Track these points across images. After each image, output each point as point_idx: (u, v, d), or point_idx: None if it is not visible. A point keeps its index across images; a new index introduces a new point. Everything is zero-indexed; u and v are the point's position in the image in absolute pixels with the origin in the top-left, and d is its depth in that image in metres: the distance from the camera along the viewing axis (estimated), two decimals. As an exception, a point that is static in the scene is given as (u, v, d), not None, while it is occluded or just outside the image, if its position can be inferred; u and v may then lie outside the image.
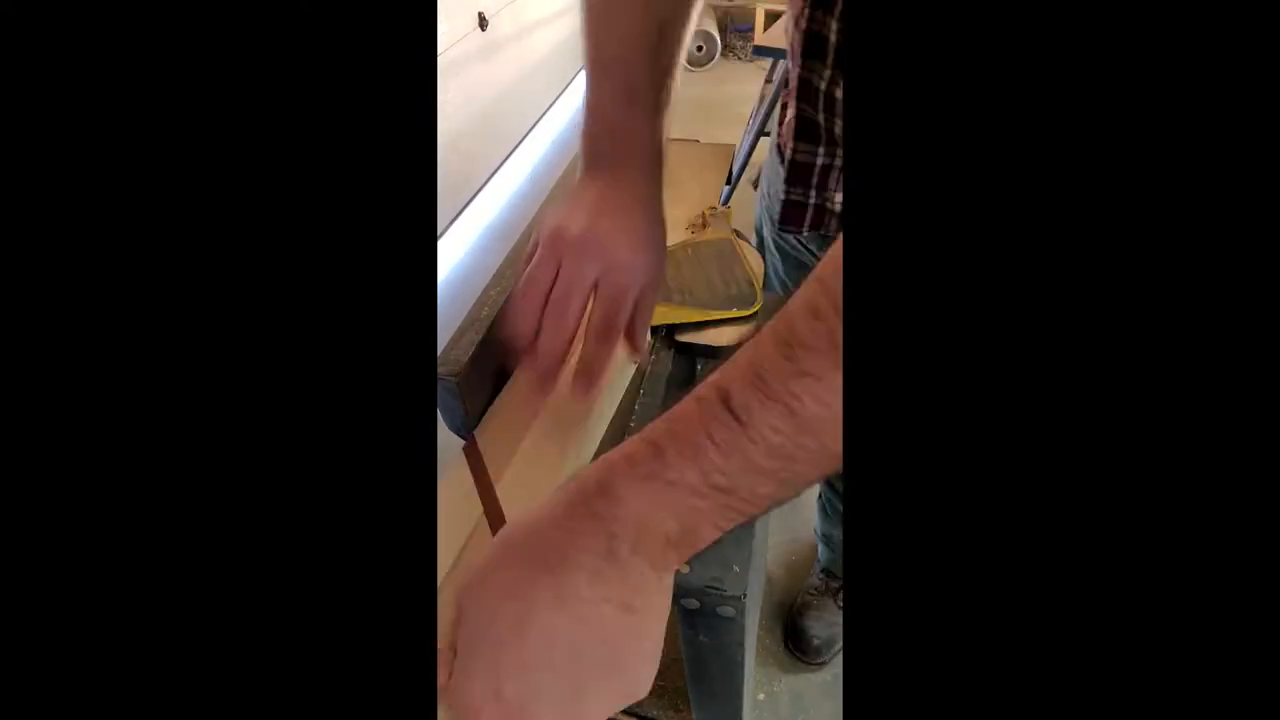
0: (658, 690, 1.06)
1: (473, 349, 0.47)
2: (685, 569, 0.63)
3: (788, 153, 0.63)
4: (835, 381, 0.28)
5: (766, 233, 0.92)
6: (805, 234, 0.68)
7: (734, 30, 3.85)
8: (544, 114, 1.32)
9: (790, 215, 0.66)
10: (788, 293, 0.98)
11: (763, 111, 2.11)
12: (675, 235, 0.69)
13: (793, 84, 0.61)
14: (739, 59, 3.84)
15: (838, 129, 0.58)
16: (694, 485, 0.30)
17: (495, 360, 0.52)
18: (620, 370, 0.57)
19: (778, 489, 0.30)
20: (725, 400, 0.29)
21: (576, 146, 0.55)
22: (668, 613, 0.33)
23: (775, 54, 1.98)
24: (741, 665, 0.76)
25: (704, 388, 0.30)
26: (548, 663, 0.30)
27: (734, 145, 0.94)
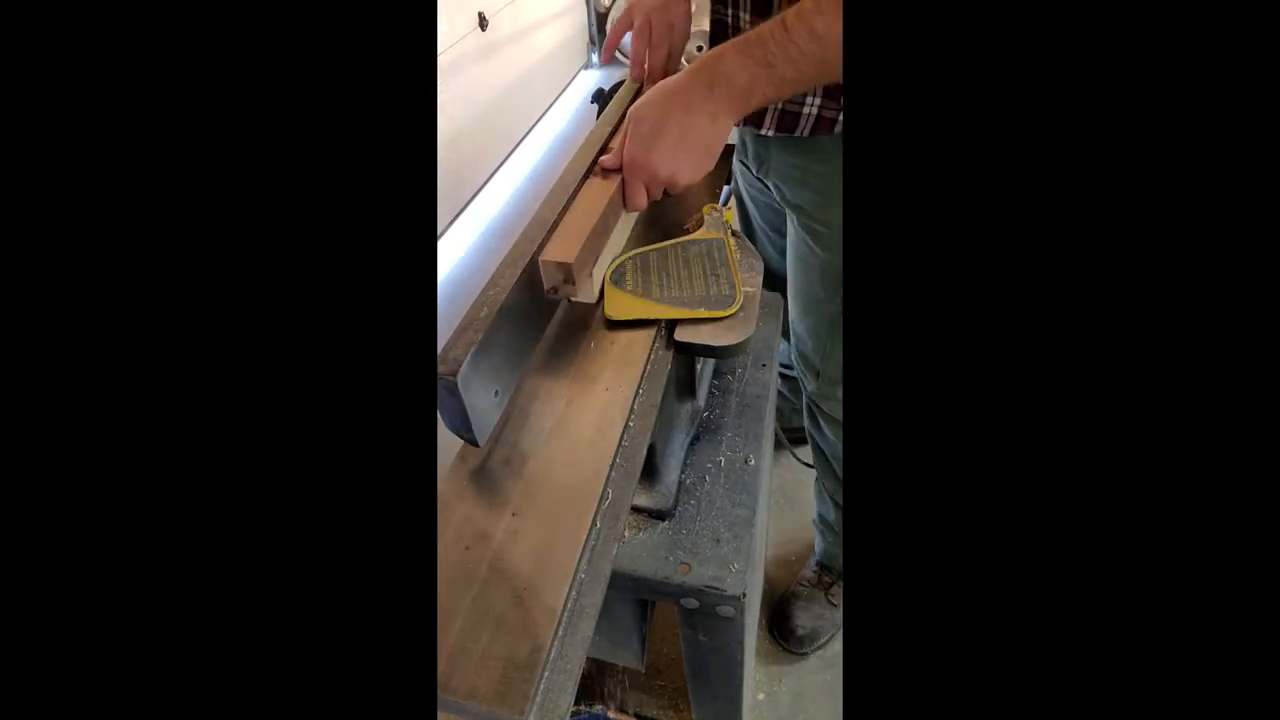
0: (658, 690, 1.06)
1: (473, 349, 0.47)
2: (685, 569, 0.64)
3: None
4: (837, 15, 0.55)
5: (742, 185, 1.01)
6: (769, 132, 0.80)
7: (734, 30, 3.83)
8: (544, 114, 1.32)
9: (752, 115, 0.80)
10: (771, 242, 1.02)
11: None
12: (675, 235, 0.70)
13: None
14: (739, 59, 3.81)
15: (742, 23, 0.77)
16: (759, 60, 0.58)
17: (495, 359, 0.52)
18: (625, 364, 0.57)
19: (796, 75, 0.58)
20: (783, 20, 0.57)
21: (576, 146, 0.66)
22: (726, 136, 0.63)
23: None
24: (741, 665, 0.76)
25: (775, 17, 0.58)
26: (674, 136, 0.61)
27: (733, 146, 0.94)
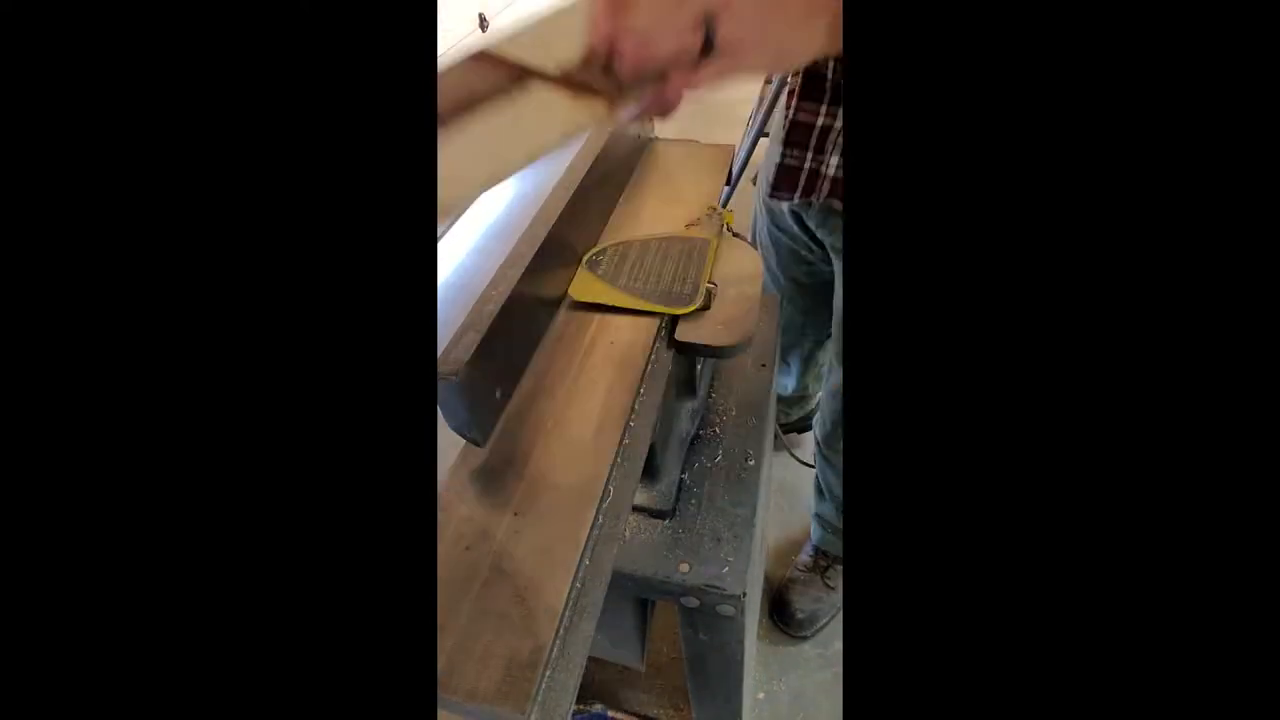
0: (658, 690, 1.06)
1: (473, 349, 0.47)
2: (685, 568, 0.64)
3: (791, 112, 0.70)
4: None
5: (762, 226, 0.93)
6: (796, 201, 0.71)
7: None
8: (544, 114, 1.33)
9: (783, 180, 0.72)
10: (781, 288, 0.99)
11: (762, 113, 2.10)
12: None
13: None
14: (739, 59, 3.80)
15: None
16: None
17: (495, 360, 0.52)
18: (625, 364, 0.57)
19: None
20: None
21: (576, 146, 0.63)
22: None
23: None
24: (741, 664, 0.76)
25: None
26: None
27: (734, 146, 0.94)
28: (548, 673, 0.40)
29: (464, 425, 0.49)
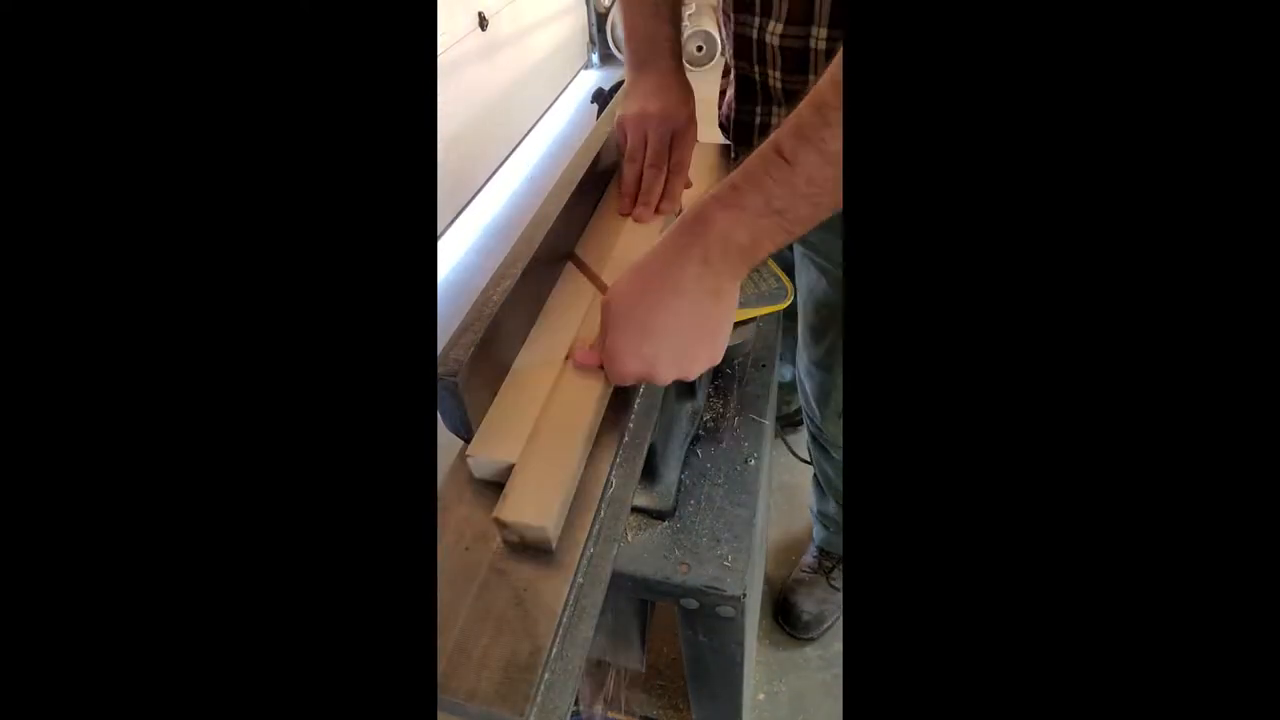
0: (658, 690, 1.06)
1: (473, 349, 0.47)
2: (685, 569, 0.64)
3: (731, 114, 0.75)
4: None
5: None
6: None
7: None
8: (544, 114, 1.32)
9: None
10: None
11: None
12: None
13: (729, 44, 0.71)
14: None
15: (772, 80, 0.68)
16: (759, 209, 0.45)
17: (495, 360, 0.52)
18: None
19: (813, 211, 0.45)
20: (778, 150, 0.44)
21: (576, 146, 0.66)
22: (736, 306, 0.50)
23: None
24: (741, 665, 0.76)
25: (763, 147, 0.45)
26: (670, 331, 0.48)
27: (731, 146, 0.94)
28: (546, 674, 0.40)
29: (462, 426, 0.49)
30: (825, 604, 1.25)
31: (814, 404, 1.00)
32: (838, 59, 0.42)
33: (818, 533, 1.26)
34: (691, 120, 0.71)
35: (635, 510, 0.68)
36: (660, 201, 0.68)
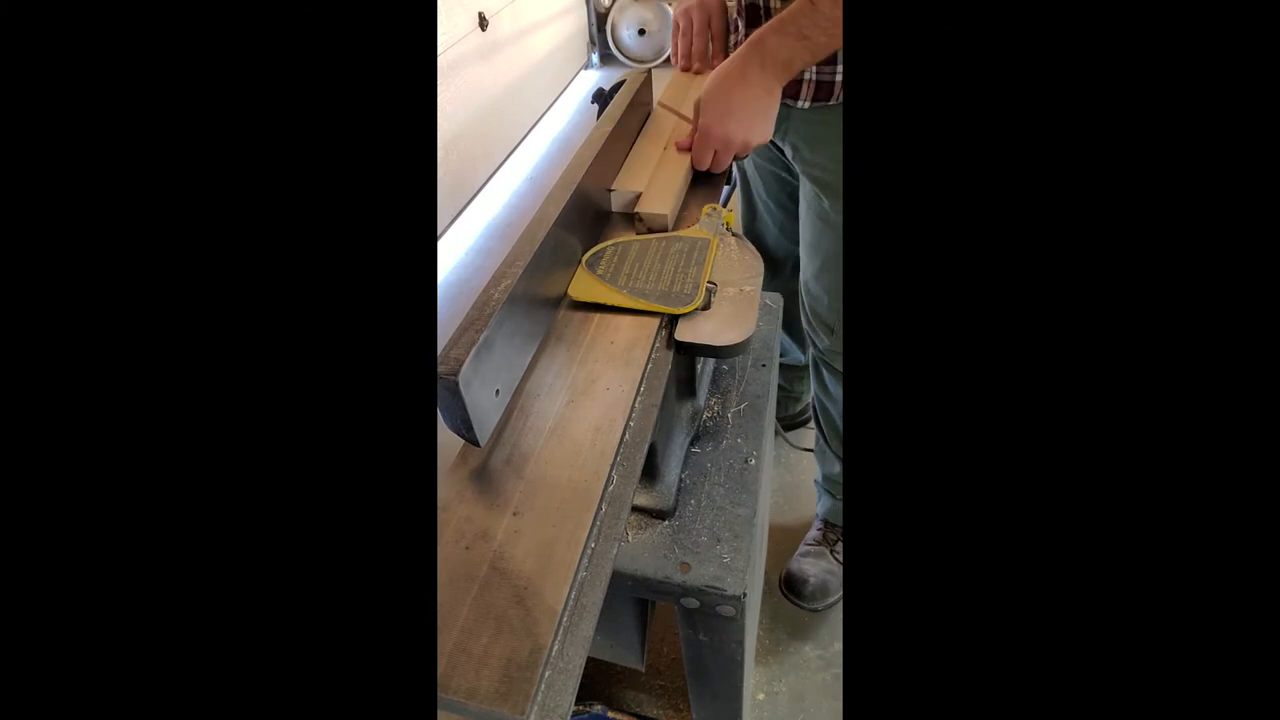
0: (658, 690, 1.06)
1: (473, 349, 0.47)
2: (685, 569, 0.64)
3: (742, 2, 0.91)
4: None
5: (749, 157, 1.08)
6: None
7: (735, 30, 3.82)
8: (544, 114, 1.33)
9: None
10: (772, 216, 1.10)
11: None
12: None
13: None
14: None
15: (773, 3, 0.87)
16: (795, 35, 0.72)
17: (495, 359, 0.52)
18: (625, 364, 0.58)
19: (828, 40, 0.72)
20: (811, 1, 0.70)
21: (576, 146, 0.71)
22: (779, 101, 0.77)
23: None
24: (741, 665, 0.76)
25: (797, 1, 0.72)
26: (741, 111, 0.76)
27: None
28: (546, 673, 0.40)
29: (462, 425, 0.49)
30: (830, 575, 1.26)
31: (814, 319, 1.05)
32: None
33: (822, 506, 1.27)
34: (723, 4, 0.98)
35: (635, 509, 0.68)
36: (712, 59, 0.98)
